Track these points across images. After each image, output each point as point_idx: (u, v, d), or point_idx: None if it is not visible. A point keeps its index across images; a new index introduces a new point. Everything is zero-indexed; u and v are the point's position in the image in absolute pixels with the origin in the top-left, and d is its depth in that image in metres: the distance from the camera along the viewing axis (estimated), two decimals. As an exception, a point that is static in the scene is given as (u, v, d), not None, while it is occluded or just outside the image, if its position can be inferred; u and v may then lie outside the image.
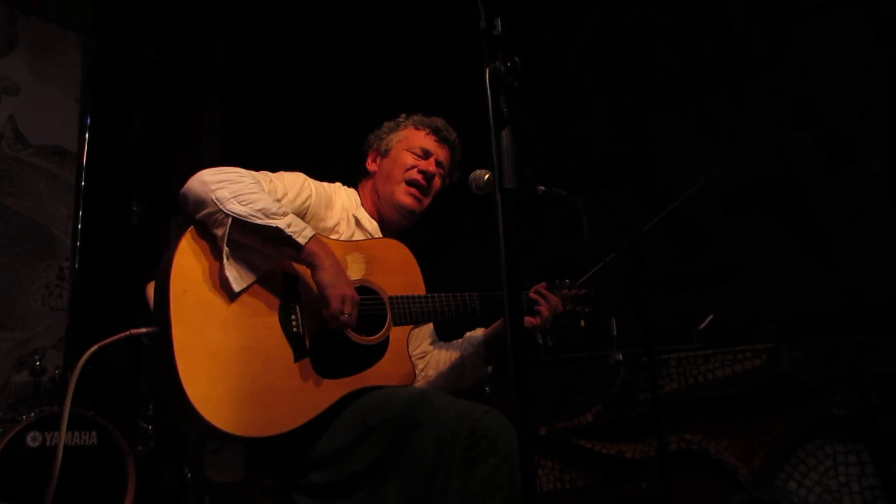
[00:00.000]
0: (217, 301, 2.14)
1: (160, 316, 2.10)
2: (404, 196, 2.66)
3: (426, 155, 2.72)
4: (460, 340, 2.79)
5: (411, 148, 2.72)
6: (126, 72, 5.98)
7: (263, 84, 5.97)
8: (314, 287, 2.24)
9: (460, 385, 2.78)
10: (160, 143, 6.00)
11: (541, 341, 3.83)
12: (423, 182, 2.68)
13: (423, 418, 2.09)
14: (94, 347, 2.25)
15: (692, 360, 3.36)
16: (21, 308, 5.18)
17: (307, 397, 2.17)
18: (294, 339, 2.21)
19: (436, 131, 2.76)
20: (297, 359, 2.20)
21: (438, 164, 2.74)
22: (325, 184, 2.62)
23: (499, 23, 1.63)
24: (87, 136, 5.57)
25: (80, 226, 5.44)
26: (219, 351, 2.09)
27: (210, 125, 6.14)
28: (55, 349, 5.22)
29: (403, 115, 2.83)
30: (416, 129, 2.77)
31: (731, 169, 3.82)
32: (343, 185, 2.73)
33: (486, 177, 2.52)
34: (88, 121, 5.61)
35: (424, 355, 2.79)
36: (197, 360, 2.05)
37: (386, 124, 2.83)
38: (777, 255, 3.88)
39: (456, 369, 2.74)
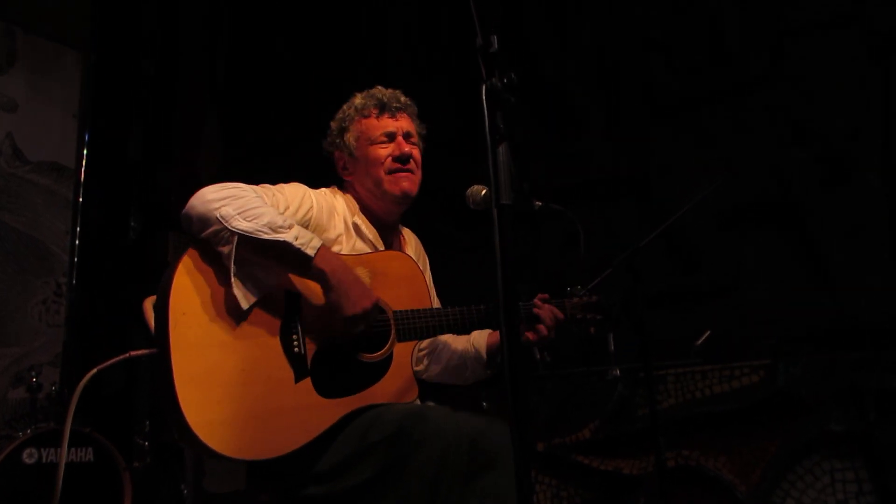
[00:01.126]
0: (217, 323, 2.12)
1: (160, 338, 2.08)
2: (395, 186, 2.57)
3: (391, 137, 2.60)
4: (465, 339, 2.74)
5: (373, 139, 2.60)
6: (125, 87, 5.99)
7: (262, 99, 5.98)
8: (317, 302, 2.23)
9: (460, 383, 2.77)
10: (159, 158, 6.00)
11: (538, 356, 3.83)
12: (403, 165, 2.58)
13: (424, 435, 2.08)
14: (94, 371, 2.24)
15: (690, 376, 3.36)
16: (18, 324, 5.17)
17: (308, 418, 2.16)
18: (295, 360, 2.19)
19: (383, 108, 2.63)
20: (297, 379, 2.18)
21: (406, 135, 2.63)
22: (323, 191, 2.59)
23: (495, 40, 1.64)
24: (85, 151, 5.58)
25: (77, 242, 5.44)
26: (219, 374, 2.07)
27: (209, 140, 6.15)
28: (52, 365, 5.21)
29: (345, 107, 2.70)
30: (365, 117, 2.63)
31: (729, 185, 3.82)
32: (339, 188, 2.68)
33: (483, 192, 2.51)
34: (87, 136, 5.62)
35: (429, 352, 2.77)
36: (196, 384, 2.03)
37: (332, 125, 2.71)
38: (774, 272, 3.88)
39: (458, 369, 2.72)
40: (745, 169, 3.94)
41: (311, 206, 2.45)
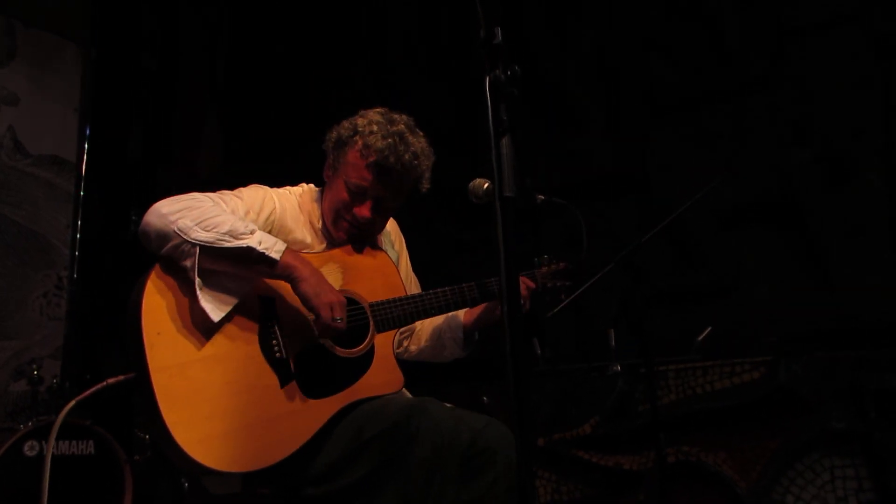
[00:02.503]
0: (194, 338, 2.09)
1: (137, 362, 2.04)
2: (338, 232, 2.48)
3: (361, 196, 2.43)
4: (443, 319, 2.72)
5: (349, 181, 2.41)
6: (125, 83, 5.99)
7: (262, 97, 5.98)
8: (292, 304, 2.21)
9: (438, 361, 2.77)
10: (159, 154, 6.00)
11: (539, 352, 3.83)
12: (355, 228, 2.47)
13: (419, 428, 2.08)
14: (73, 402, 2.22)
15: (690, 372, 3.36)
16: (19, 317, 5.17)
17: (298, 421, 2.15)
18: (278, 365, 2.18)
19: (379, 165, 2.39)
20: (283, 384, 2.17)
21: (377, 202, 2.44)
22: (288, 190, 2.55)
23: (499, 32, 1.63)
24: (86, 146, 5.58)
25: (78, 235, 5.44)
26: (203, 390, 2.05)
27: (208, 137, 6.15)
28: (53, 358, 5.21)
29: (360, 120, 2.48)
30: (362, 156, 2.40)
31: (730, 184, 3.83)
32: (316, 187, 2.61)
33: (486, 186, 2.50)
34: (88, 131, 5.62)
35: (410, 334, 2.77)
36: (182, 404, 2.01)
37: (344, 125, 2.50)
38: (775, 271, 3.88)
39: (436, 348, 2.72)
40: (745, 168, 3.94)
41: (274, 209, 2.41)
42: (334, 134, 2.52)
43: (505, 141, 1.61)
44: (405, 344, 2.77)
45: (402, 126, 2.46)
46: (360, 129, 2.44)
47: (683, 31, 4.34)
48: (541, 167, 4.52)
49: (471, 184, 2.52)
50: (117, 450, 4.14)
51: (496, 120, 1.61)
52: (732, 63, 4.15)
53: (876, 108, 3.76)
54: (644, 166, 4.37)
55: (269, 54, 6.02)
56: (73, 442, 4.04)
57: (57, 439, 3.94)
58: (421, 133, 2.53)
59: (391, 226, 2.78)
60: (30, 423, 4.00)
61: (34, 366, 4.39)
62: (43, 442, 3.94)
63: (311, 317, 2.21)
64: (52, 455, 3.91)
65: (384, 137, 2.40)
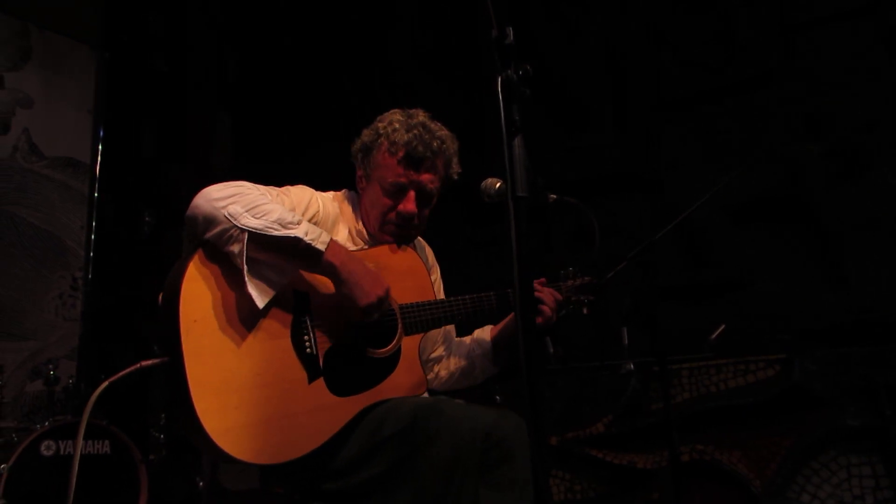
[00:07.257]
0: (229, 328, 2.10)
1: (171, 347, 2.05)
2: (386, 236, 2.51)
3: (402, 191, 2.48)
4: (469, 339, 2.75)
5: (384, 184, 2.47)
6: (138, 84, 6.03)
7: (272, 97, 6.00)
8: (326, 299, 2.23)
9: (471, 384, 2.77)
10: (171, 154, 6.03)
11: (551, 350, 3.83)
12: (401, 226, 2.50)
13: (437, 428, 2.08)
14: (106, 383, 2.22)
15: (704, 370, 3.35)
16: (35, 318, 5.21)
17: (323, 418, 2.16)
18: (307, 361, 2.19)
19: (409, 158, 2.45)
20: (311, 380, 2.18)
21: (420, 192, 2.49)
22: (331, 195, 2.58)
23: (511, 31, 1.63)
24: (100, 147, 5.60)
25: (93, 236, 5.46)
26: (234, 380, 2.06)
27: (220, 137, 6.17)
28: (68, 359, 5.24)
29: (381, 123, 2.53)
30: (390, 154, 2.46)
31: (741, 180, 3.81)
32: (354, 192, 2.65)
33: (498, 185, 2.50)
34: (101, 132, 5.65)
35: (440, 360, 2.76)
36: (213, 392, 2.02)
37: (365, 133, 2.56)
38: (787, 267, 3.86)
39: (466, 371, 2.72)
40: (757, 164, 3.92)
41: (318, 210, 2.44)
42: (358, 143, 2.57)
43: (517, 141, 1.61)
44: (435, 369, 2.76)
45: (422, 117, 2.52)
46: (382, 130, 2.50)
47: (692, 25, 4.33)
48: (549, 165, 4.51)
49: (483, 183, 2.51)
50: (133, 450, 4.16)
51: (508, 120, 1.61)
52: (742, 57, 4.13)
53: (888, 102, 3.74)
54: (653, 163, 4.35)
55: (279, 53, 6.04)
56: (90, 442, 4.05)
57: (74, 439, 3.97)
58: (439, 123, 2.57)
59: (427, 250, 2.80)
60: (46, 424, 4.02)
61: (50, 366, 4.40)
62: (59, 442, 3.97)
63: (343, 320, 2.25)
64: (68, 455, 3.94)
65: (408, 130, 2.46)
